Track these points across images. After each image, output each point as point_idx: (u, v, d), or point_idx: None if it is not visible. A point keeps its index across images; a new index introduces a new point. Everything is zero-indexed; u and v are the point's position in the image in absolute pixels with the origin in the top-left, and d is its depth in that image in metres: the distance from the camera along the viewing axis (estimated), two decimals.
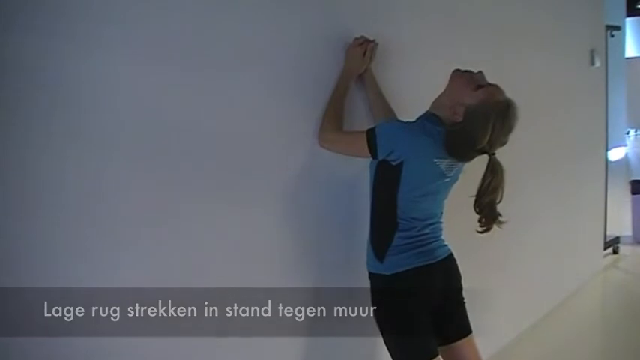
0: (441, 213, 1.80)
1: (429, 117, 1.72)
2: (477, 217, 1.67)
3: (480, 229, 1.68)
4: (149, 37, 1.42)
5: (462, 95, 1.64)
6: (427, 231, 1.74)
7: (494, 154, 1.62)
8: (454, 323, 1.78)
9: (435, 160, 1.65)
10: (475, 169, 1.68)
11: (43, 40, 1.23)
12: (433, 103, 1.75)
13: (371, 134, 1.67)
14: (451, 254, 1.80)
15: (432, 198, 1.74)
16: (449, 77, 1.72)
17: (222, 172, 1.60)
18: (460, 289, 1.81)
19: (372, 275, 1.78)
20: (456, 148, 1.65)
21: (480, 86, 1.63)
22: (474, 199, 1.65)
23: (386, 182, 1.70)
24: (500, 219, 1.66)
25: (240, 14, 1.63)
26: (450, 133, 1.65)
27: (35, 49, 1.22)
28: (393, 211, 1.70)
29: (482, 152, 1.63)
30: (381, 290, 1.74)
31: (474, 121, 1.61)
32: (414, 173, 1.65)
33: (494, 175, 1.61)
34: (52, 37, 1.24)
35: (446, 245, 1.80)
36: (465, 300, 1.81)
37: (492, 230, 1.69)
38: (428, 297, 1.72)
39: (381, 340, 1.77)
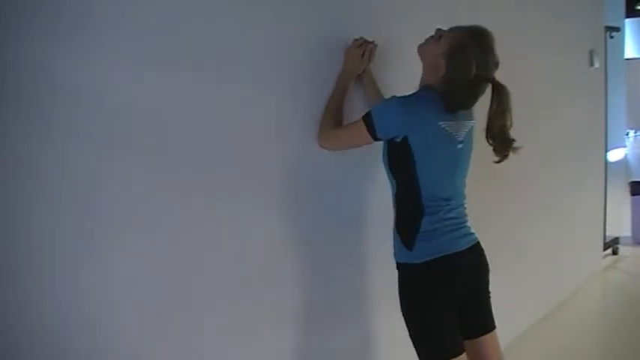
0: (464, 195, 1.76)
1: (422, 88, 1.72)
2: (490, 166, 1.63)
3: (496, 159, 1.65)
4: (149, 37, 1.42)
5: (434, 52, 1.67)
6: (453, 215, 1.69)
7: (494, 78, 1.61)
8: (480, 317, 1.75)
9: (440, 123, 1.63)
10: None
11: (43, 40, 1.23)
12: (420, 81, 1.76)
13: (367, 117, 1.67)
14: (478, 242, 1.76)
15: (451, 171, 1.70)
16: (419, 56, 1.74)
17: (222, 172, 1.60)
18: (487, 281, 1.77)
19: (400, 266, 1.71)
20: (456, 94, 1.63)
21: (442, 36, 1.67)
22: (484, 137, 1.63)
23: (401, 162, 1.67)
24: (515, 144, 1.62)
25: (240, 15, 1.63)
26: (443, 85, 1.64)
27: (35, 49, 1.22)
28: (416, 192, 1.65)
29: (482, 80, 1.61)
30: (413, 279, 1.66)
31: (455, 59, 1.61)
32: (422, 142, 1.62)
33: (499, 98, 1.60)
34: (52, 37, 1.24)
35: (473, 233, 1.75)
36: (490, 294, 1.77)
37: (492, 231, 1.68)
38: (458, 286, 1.66)
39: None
